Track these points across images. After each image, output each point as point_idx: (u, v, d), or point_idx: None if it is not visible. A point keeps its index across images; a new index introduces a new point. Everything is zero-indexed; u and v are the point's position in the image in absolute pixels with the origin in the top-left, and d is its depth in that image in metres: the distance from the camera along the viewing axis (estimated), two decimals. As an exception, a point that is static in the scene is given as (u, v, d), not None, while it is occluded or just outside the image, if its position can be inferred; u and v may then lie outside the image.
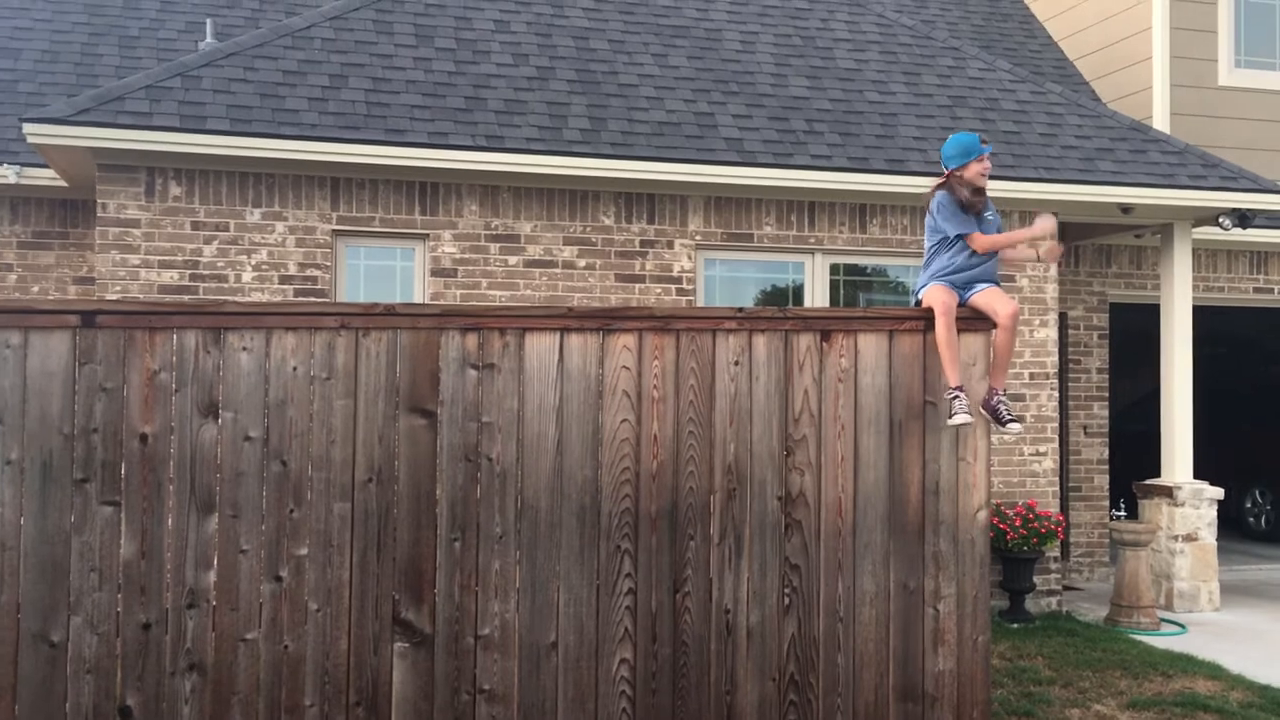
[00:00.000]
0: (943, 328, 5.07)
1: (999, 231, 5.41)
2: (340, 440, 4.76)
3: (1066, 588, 10.49)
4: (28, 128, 7.60)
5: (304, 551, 4.71)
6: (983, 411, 5.16)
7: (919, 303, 5.36)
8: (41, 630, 4.54)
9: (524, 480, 4.87)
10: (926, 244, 5.47)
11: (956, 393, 5.06)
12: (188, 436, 4.66)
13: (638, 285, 8.83)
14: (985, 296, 5.23)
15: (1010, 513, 9.13)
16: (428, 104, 8.48)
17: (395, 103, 8.41)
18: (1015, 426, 5.11)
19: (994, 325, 5.21)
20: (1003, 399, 5.14)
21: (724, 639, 4.97)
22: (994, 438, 9.16)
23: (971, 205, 5.32)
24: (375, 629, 4.74)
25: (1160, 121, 11.75)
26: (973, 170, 5.33)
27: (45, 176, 8.85)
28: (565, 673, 4.85)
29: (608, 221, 8.82)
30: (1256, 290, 12.02)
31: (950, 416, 5.05)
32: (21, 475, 4.55)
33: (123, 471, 4.61)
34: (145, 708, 4.58)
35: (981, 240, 5.30)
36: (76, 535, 4.57)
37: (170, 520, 4.63)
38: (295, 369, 4.75)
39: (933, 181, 9.26)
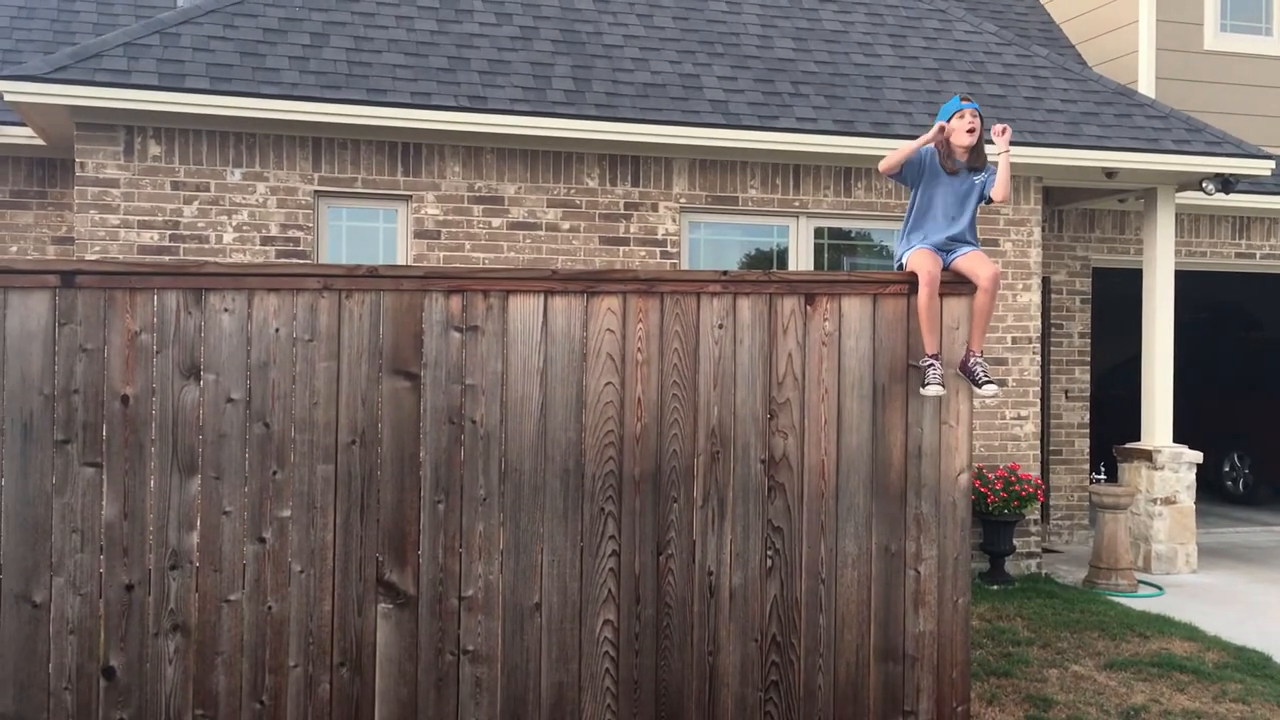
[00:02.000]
0: (925, 296, 5.07)
1: (986, 190, 5.37)
2: (323, 402, 4.75)
3: (1046, 550, 10.59)
4: (4, 85, 7.50)
5: (287, 513, 4.71)
6: (960, 373, 5.18)
7: (902, 266, 5.35)
8: (24, 591, 4.53)
9: (508, 443, 4.87)
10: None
11: (932, 361, 5.08)
12: (169, 398, 4.64)
13: (622, 248, 8.80)
14: (968, 260, 5.24)
15: (991, 476, 9.19)
16: (410, 63, 8.40)
17: (377, 62, 8.32)
18: (991, 388, 5.13)
19: (976, 288, 5.21)
20: (980, 361, 5.16)
21: (707, 600, 5.00)
22: (975, 401, 9.21)
23: (948, 164, 5.29)
24: (359, 590, 4.75)
25: (1146, 86, 11.74)
26: (952, 126, 5.31)
27: (23, 135, 8.74)
28: (549, 633, 4.87)
29: (592, 184, 8.78)
30: (1239, 255, 12.07)
31: (924, 386, 5.08)
32: (2, 436, 4.52)
33: (104, 433, 4.59)
34: (129, 668, 4.59)
35: (888, 157, 5.31)
36: (58, 496, 4.55)
37: (152, 482, 4.62)
38: (278, 330, 4.72)
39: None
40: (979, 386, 5.13)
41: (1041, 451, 10.38)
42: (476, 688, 4.81)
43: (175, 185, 8.04)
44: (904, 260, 5.33)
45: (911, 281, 5.19)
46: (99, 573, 4.58)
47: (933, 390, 5.05)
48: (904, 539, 5.14)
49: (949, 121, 5.31)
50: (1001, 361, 9.61)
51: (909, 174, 5.34)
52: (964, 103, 5.31)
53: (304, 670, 4.70)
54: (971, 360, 5.15)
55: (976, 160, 5.33)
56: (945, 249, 5.27)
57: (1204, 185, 9.88)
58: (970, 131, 5.28)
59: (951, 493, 5.18)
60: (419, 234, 8.46)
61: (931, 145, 5.34)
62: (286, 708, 4.68)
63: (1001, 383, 9.61)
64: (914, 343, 5.17)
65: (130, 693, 4.58)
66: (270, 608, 4.69)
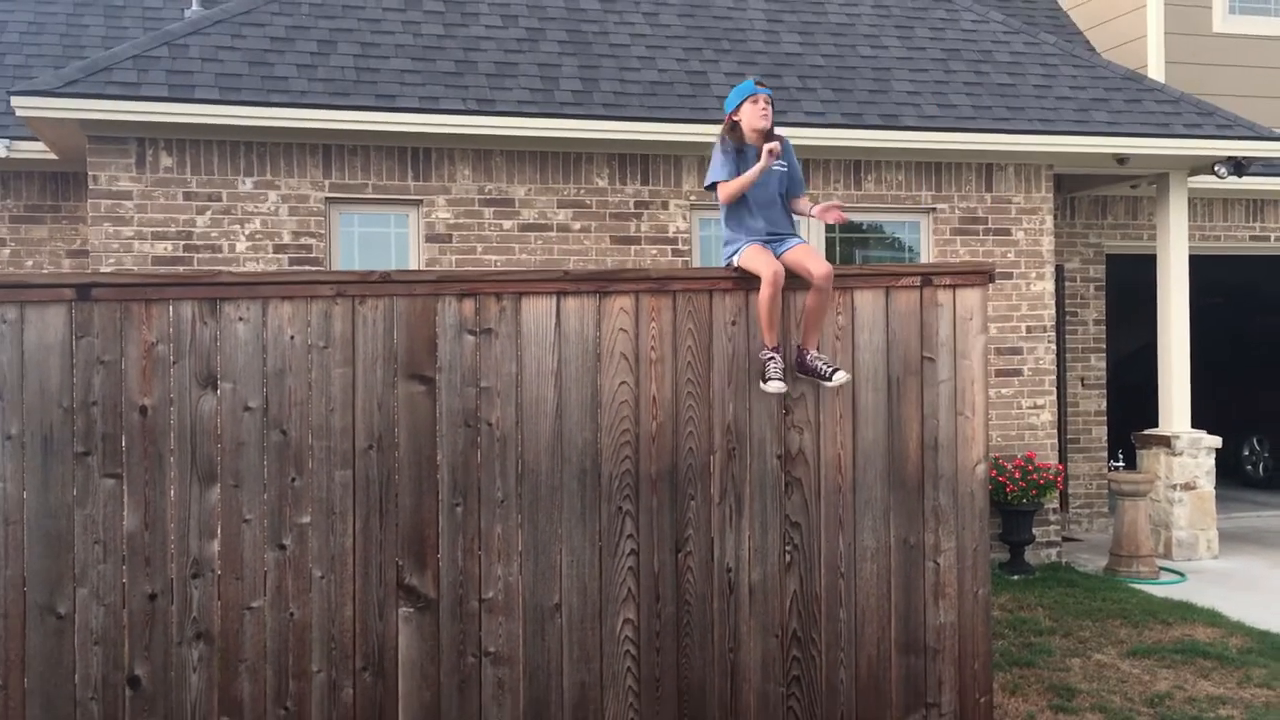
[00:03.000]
0: (768, 295, 4.86)
1: (795, 180, 5.18)
2: (340, 408, 4.76)
3: (1066, 539, 10.55)
4: (16, 100, 7.55)
5: (306, 519, 4.73)
6: (800, 375, 5.00)
7: (731, 265, 5.10)
8: (48, 603, 4.56)
9: (524, 444, 4.88)
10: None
11: (773, 354, 4.91)
12: (187, 407, 4.66)
13: (633, 247, 8.81)
14: (797, 254, 5.02)
15: (1009, 466, 9.17)
16: (417, 68, 8.42)
17: (385, 67, 8.35)
18: (842, 375, 4.91)
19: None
20: (818, 355, 4.96)
21: (726, 597, 5.00)
22: (991, 391, 9.18)
23: (740, 149, 5.09)
24: (380, 595, 4.77)
25: (1155, 70, 11.68)
26: (745, 110, 5.11)
27: (35, 149, 8.80)
28: (569, 633, 4.88)
29: (602, 183, 8.78)
30: (1253, 238, 12.01)
31: (765, 382, 4.91)
32: (22, 449, 4.55)
33: (123, 444, 4.62)
34: (154, 677, 4.62)
35: (724, 188, 5.07)
36: (79, 508, 4.58)
37: (172, 491, 4.64)
38: (293, 338, 4.74)
39: (928, 136, 9.23)
40: (829, 379, 4.92)
41: (1059, 440, 10.34)
42: (499, 689, 4.82)
43: (187, 196, 8.07)
44: (734, 260, 5.08)
45: (924, 274, 5.18)
46: (122, 583, 4.61)
47: (774, 387, 4.87)
48: (922, 531, 5.14)
49: (742, 105, 5.12)
50: (1016, 351, 9.59)
51: (729, 179, 5.11)
52: (759, 88, 5.12)
53: (327, 675, 4.72)
54: (809, 356, 4.97)
55: (763, 142, 5.08)
56: (770, 241, 5.06)
57: (1216, 169, 9.83)
58: (763, 116, 5.08)
59: (969, 483, 5.18)
60: (430, 238, 8.48)
61: (727, 140, 5.13)
62: (310, 713, 4.70)
63: (1017, 372, 9.59)
64: (928, 335, 5.16)
65: (155, 702, 4.61)
66: (292, 614, 4.71)
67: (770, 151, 4.98)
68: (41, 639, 4.55)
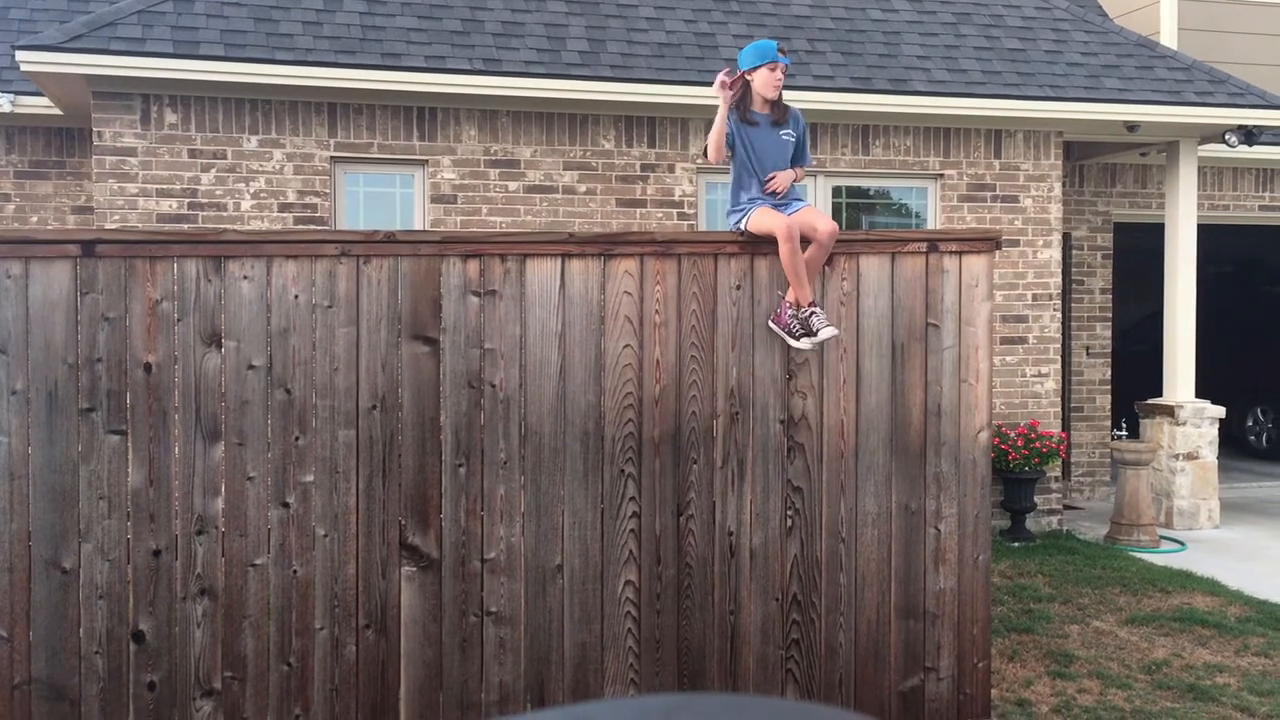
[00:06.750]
0: (788, 251, 4.87)
1: (800, 151, 5.19)
2: (344, 368, 4.77)
3: (1067, 507, 10.58)
4: (21, 55, 7.51)
5: (310, 478, 4.75)
6: (772, 326, 5.02)
7: (741, 230, 5.09)
8: (53, 557, 4.59)
9: (527, 406, 4.89)
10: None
11: (813, 310, 4.92)
12: (191, 365, 4.67)
13: (639, 210, 8.78)
14: (803, 214, 5.02)
15: (1012, 433, 9.17)
16: (424, 26, 8.36)
17: (391, 25, 8.29)
18: (829, 331, 4.90)
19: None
20: (815, 310, 4.95)
21: (727, 560, 5.02)
22: (996, 359, 9.17)
23: (747, 115, 5.09)
24: (383, 553, 4.79)
25: (1168, 37, 11.58)
26: (761, 76, 5.07)
27: (40, 105, 8.76)
28: (571, 594, 4.91)
29: (608, 145, 8.74)
30: (1262, 208, 11.94)
31: (815, 333, 4.89)
32: (27, 405, 4.57)
33: (128, 401, 4.63)
34: (158, 632, 4.65)
35: (713, 151, 5.06)
36: (84, 464, 4.60)
37: (177, 448, 4.66)
38: (297, 297, 4.74)
39: (937, 101, 9.16)
40: (815, 335, 4.91)
41: (1063, 408, 10.35)
42: (500, 648, 4.86)
43: (192, 153, 8.05)
44: (744, 224, 5.06)
45: (930, 240, 5.16)
46: (126, 538, 4.64)
47: (827, 333, 4.87)
48: (924, 497, 5.15)
49: (759, 69, 5.08)
50: (1022, 319, 9.57)
51: (729, 140, 5.11)
52: (780, 55, 5.08)
53: (330, 632, 4.76)
54: (804, 310, 4.96)
55: (778, 113, 5.14)
56: (777, 206, 5.07)
57: (1227, 138, 9.76)
58: (775, 87, 5.08)
59: (971, 451, 5.18)
60: (436, 199, 8.45)
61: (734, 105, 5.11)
62: (314, 669, 4.74)
63: (1022, 340, 9.58)
64: (933, 301, 5.14)
65: (160, 656, 4.65)
66: (295, 571, 4.74)
67: (722, 84, 4.95)
68: (47, 592, 4.58)
